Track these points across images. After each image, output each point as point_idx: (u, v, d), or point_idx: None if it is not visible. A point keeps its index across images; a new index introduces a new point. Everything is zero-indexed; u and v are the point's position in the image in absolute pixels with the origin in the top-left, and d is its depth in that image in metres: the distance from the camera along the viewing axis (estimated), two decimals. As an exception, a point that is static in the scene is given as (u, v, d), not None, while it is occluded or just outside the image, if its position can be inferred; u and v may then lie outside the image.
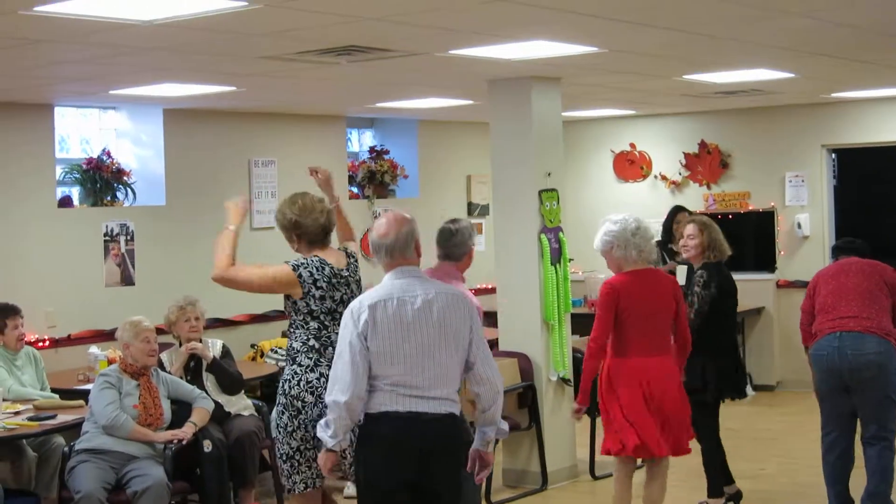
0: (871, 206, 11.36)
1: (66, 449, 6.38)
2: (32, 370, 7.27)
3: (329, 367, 4.72)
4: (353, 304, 4.45)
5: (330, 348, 5.00)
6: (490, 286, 9.00)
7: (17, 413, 6.49)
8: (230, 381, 7.07)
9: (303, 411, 5.05)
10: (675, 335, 6.10)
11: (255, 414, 7.13)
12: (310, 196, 5.28)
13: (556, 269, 7.68)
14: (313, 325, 5.12)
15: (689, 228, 6.91)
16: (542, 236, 7.63)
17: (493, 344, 7.43)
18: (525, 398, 7.63)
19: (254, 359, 8.88)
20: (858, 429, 6.41)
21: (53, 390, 7.24)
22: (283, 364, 8.10)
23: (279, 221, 5.28)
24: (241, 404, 7.10)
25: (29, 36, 5.43)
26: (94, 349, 7.85)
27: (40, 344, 7.92)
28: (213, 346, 7.19)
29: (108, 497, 6.03)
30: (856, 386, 6.24)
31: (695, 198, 11.41)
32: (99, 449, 6.14)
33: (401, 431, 4.36)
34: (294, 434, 5.07)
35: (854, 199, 11.34)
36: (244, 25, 5.32)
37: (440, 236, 5.87)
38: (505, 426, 4.64)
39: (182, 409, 6.56)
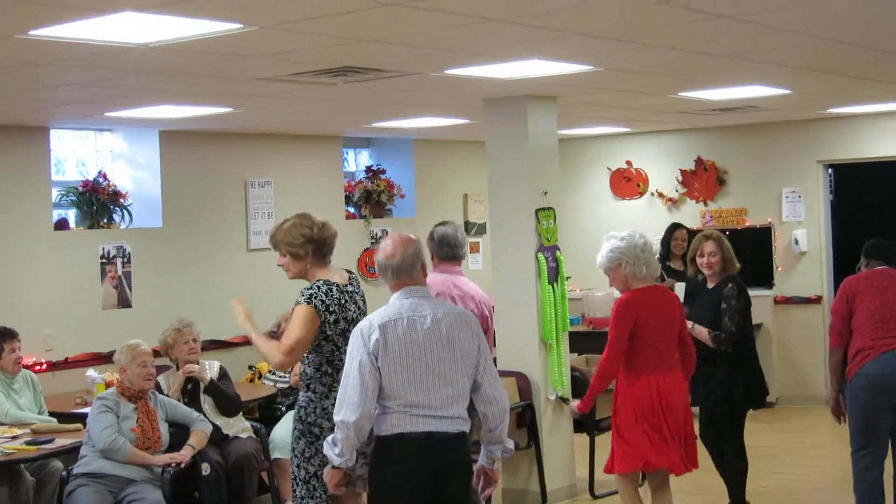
0: (867, 220, 11.34)
1: (64, 473, 6.37)
2: (30, 394, 7.25)
3: None
4: (363, 323, 4.44)
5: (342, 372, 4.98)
6: (488, 305, 9.00)
7: (14, 437, 6.46)
8: (228, 404, 7.06)
9: (320, 437, 5.02)
10: (681, 352, 6.03)
11: (254, 436, 7.10)
12: (311, 215, 5.28)
13: (553, 287, 7.66)
14: (327, 347, 5.08)
15: (710, 246, 6.75)
16: (539, 255, 7.62)
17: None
18: (524, 417, 7.60)
19: (252, 380, 8.85)
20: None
21: (51, 414, 7.23)
22: (281, 386, 8.18)
23: (293, 242, 5.17)
24: (239, 426, 7.08)
25: (24, 60, 5.42)
26: (91, 372, 7.82)
27: (37, 367, 7.90)
28: (211, 367, 7.17)
29: (107, 521, 6.00)
30: None
31: (692, 214, 11.41)
32: (97, 473, 6.12)
33: (417, 453, 4.34)
34: (312, 459, 5.06)
35: (851, 214, 11.34)
36: (240, 48, 5.32)
37: (446, 239, 5.92)
38: (511, 444, 4.64)
39: (180, 432, 6.54)
